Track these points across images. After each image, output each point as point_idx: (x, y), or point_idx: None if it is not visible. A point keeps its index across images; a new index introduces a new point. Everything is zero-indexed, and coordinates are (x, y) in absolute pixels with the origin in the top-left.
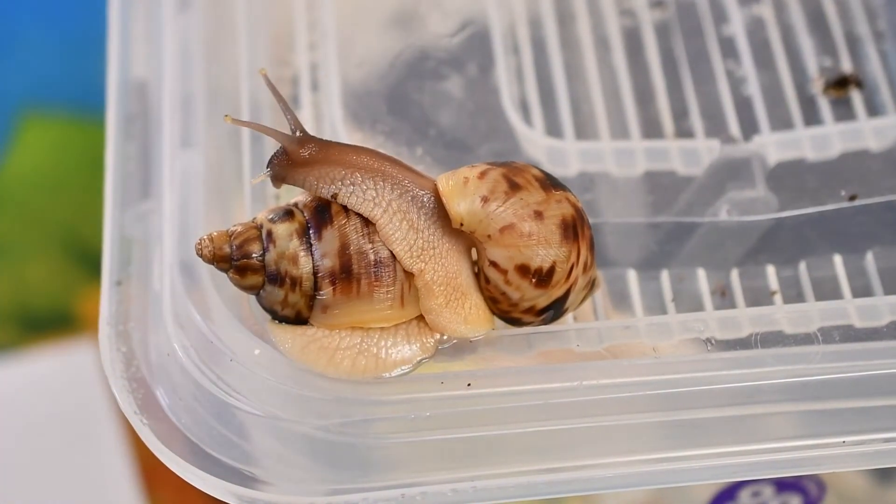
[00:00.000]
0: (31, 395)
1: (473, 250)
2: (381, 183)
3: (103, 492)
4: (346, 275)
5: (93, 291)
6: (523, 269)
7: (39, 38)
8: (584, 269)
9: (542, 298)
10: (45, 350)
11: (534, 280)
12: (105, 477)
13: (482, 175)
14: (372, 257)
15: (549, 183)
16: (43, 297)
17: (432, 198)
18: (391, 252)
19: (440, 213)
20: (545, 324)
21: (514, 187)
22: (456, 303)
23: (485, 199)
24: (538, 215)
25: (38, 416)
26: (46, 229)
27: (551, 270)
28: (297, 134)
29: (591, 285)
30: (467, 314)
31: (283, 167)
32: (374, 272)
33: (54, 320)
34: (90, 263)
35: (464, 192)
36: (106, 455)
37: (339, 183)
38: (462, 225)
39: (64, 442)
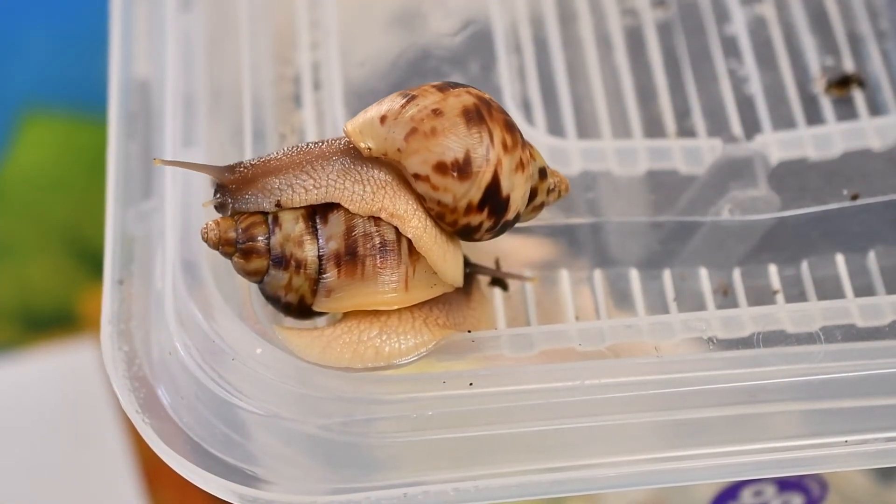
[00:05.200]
0: (32, 394)
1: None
2: (311, 168)
3: (105, 491)
4: (350, 256)
5: (94, 290)
6: (441, 167)
7: (41, 37)
8: (505, 149)
9: (473, 190)
10: (47, 349)
11: (455, 174)
12: (107, 476)
13: (380, 101)
14: (377, 240)
15: (449, 85)
16: (45, 296)
17: (356, 151)
18: (396, 234)
19: (370, 160)
20: (499, 226)
21: (408, 98)
22: (434, 229)
23: (382, 118)
24: (437, 112)
25: (40, 415)
26: (48, 228)
27: (467, 159)
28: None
29: (542, 176)
30: (445, 243)
31: (223, 197)
32: (380, 253)
33: (56, 319)
34: (92, 262)
35: (363, 120)
36: (108, 454)
37: (278, 191)
38: (371, 151)
39: (66, 441)
